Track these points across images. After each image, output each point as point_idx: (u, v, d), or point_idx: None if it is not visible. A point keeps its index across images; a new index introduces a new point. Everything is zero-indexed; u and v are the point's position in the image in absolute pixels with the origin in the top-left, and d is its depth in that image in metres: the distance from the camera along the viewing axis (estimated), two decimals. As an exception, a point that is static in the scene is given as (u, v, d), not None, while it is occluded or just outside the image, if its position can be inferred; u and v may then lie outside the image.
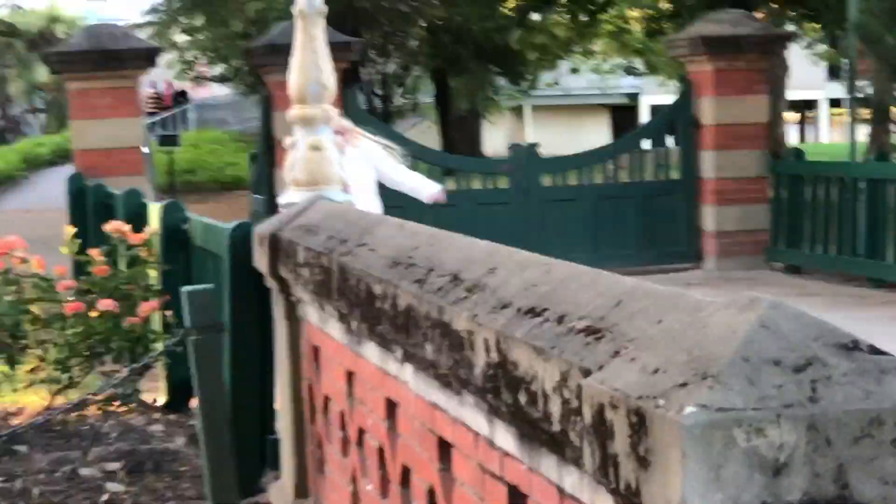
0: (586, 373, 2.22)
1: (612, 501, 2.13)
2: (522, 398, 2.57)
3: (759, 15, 20.98)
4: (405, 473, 3.85)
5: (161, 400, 8.58)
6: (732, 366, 1.86)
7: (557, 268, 2.81)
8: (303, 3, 5.77)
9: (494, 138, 42.00)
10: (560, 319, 2.51)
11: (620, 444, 1.99)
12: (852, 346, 1.93)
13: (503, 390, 2.68)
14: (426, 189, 10.27)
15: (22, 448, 7.50)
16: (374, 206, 9.44)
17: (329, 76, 5.91)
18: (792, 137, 46.31)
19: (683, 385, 1.89)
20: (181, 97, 44.51)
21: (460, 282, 3.14)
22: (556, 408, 2.40)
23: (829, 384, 1.86)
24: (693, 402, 1.82)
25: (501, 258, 3.11)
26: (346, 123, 9.44)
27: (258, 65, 15.77)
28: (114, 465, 7.07)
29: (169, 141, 29.04)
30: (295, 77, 5.94)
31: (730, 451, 1.80)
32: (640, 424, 1.92)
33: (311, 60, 5.87)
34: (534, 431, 2.60)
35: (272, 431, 6.40)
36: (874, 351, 1.94)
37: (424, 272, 3.41)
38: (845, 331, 1.96)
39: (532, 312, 2.64)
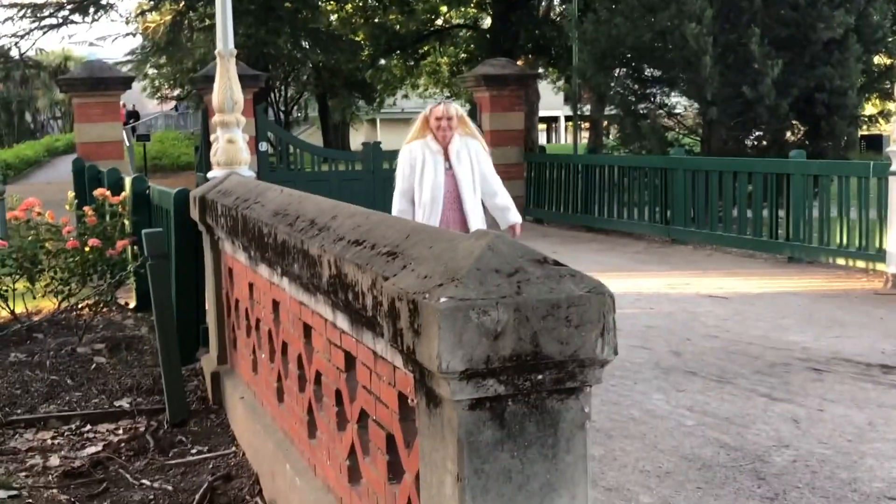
0: (386, 279, 2.24)
1: (401, 357, 2.15)
2: (350, 296, 2.58)
3: (519, 62, 21.14)
4: (284, 346, 3.84)
5: (132, 304, 8.37)
6: (469, 273, 1.89)
7: (373, 216, 2.82)
8: (221, 47, 5.65)
9: (358, 139, 41.58)
10: (373, 247, 2.52)
11: (404, 322, 2.01)
12: (543, 261, 1.97)
13: (339, 291, 2.69)
14: (513, 215, 5.70)
15: (39, 335, 7.26)
16: (477, 211, 5.46)
17: (238, 94, 5.80)
18: (542, 140, 46.80)
19: (440, 285, 1.91)
20: (133, 115, 42.50)
21: (315, 224, 3.13)
22: (369, 301, 2.41)
23: (529, 284, 1.89)
24: (445, 295, 1.84)
25: (340, 210, 3.11)
26: (456, 109, 5.48)
27: (199, 88, 15.34)
28: (100, 346, 6.88)
29: (144, 138, 28.46)
30: (216, 95, 5.83)
31: (467, 325, 1.82)
32: (415, 310, 1.95)
33: (227, 84, 5.76)
34: (358, 317, 2.62)
35: (204, 322, 6.31)
36: (557, 264, 1.98)
37: (293, 219, 3.39)
38: (539, 251, 2.00)
39: (356, 243, 2.65)
